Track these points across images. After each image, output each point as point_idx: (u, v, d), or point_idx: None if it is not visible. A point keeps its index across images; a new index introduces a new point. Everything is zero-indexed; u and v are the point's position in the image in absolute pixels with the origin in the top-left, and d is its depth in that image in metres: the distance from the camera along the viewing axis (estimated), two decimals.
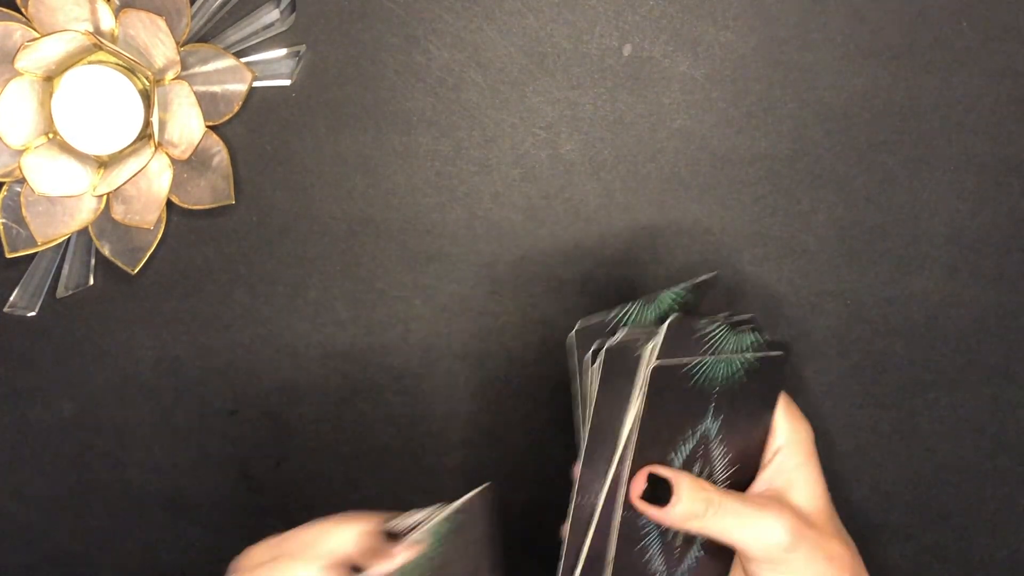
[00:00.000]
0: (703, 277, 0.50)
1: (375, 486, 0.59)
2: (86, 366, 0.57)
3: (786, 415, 0.49)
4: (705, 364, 0.47)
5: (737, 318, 0.50)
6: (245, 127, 0.55)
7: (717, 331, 0.48)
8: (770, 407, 0.49)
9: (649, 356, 0.46)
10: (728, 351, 0.48)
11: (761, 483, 0.49)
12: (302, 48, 0.54)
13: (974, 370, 0.58)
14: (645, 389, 0.45)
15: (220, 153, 0.54)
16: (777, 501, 0.47)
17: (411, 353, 0.57)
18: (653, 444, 0.46)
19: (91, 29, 0.51)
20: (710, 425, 0.48)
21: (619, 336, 0.46)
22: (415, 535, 0.43)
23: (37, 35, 0.50)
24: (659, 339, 0.46)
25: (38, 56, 0.50)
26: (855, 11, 0.54)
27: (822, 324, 0.58)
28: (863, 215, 0.56)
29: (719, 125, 0.55)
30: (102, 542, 0.59)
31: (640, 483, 0.46)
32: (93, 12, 0.51)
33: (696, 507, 0.45)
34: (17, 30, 0.50)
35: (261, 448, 0.58)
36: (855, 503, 0.60)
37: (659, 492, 0.45)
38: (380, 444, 0.59)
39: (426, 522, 0.44)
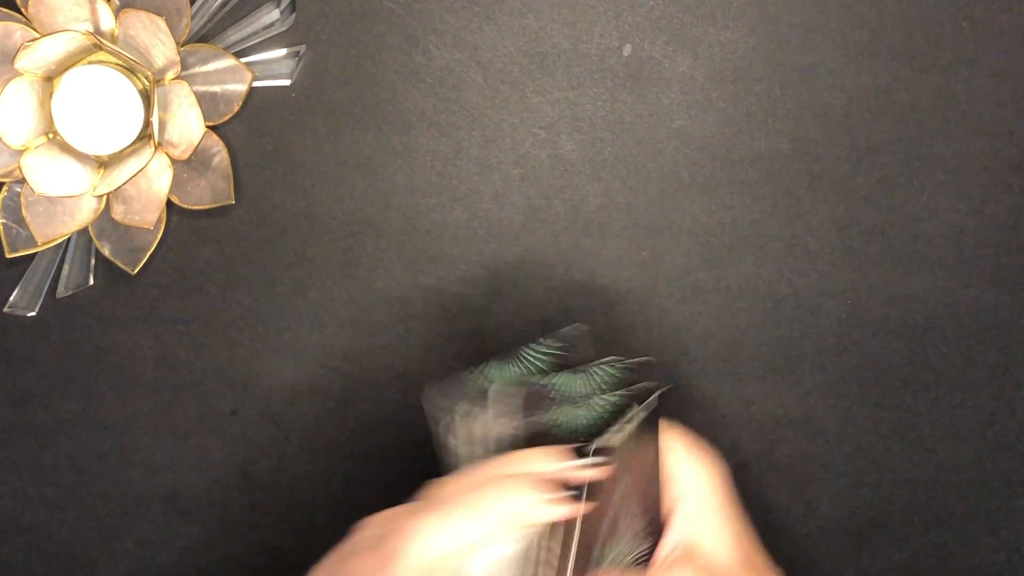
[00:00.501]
0: (571, 330, 0.49)
1: (375, 486, 0.59)
2: (86, 366, 0.57)
3: (684, 456, 0.45)
4: (556, 415, 0.45)
5: (597, 362, 0.48)
6: (245, 127, 0.55)
7: (558, 380, 0.46)
8: (654, 436, 0.46)
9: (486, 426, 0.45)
10: (579, 395, 0.46)
11: (671, 538, 0.45)
12: (302, 48, 0.54)
13: (974, 370, 0.58)
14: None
15: (220, 153, 0.54)
16: (690, 563, 0.44)
17: (411, 353, 0.57)
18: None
19: (91, 29, 0.51)
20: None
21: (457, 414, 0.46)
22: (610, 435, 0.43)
23: (37, 35, 0.50)
24: (488, 408, 0.45)
25: (38, 56, 0.50)
26: (855, 11, 0.54)
27: (822, 324, 0.58)
28: (863, 215, 0.56)
29: (719, 125, 0.55)
30: (102, 542, 0.59)
31: None
32: (93, 12, 0.51)
33: None
34: (17, 30, 0.50)
35: (261, 448, 0.58)
36: (855, 503, 0.60)
37: None
38: (380, 444, 0.59)
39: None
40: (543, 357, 0.47)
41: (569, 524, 0.41)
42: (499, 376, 0.46)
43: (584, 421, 0.46)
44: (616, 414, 0.46)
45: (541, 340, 0.47)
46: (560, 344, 0.48)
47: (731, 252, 0.57)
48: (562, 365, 0.47)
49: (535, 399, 0.45)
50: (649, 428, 0.46)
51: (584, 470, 0.42)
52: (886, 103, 0.55)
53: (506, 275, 0.57)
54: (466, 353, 0.57)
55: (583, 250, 0.57)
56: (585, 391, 0.46)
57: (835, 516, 0.60)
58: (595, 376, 0.47)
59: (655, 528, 0.46)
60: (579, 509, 0.41)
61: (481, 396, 0.46)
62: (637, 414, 0.46)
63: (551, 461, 0.42)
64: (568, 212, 0.56)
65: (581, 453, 0.43)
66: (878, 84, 0.55)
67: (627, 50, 0.55)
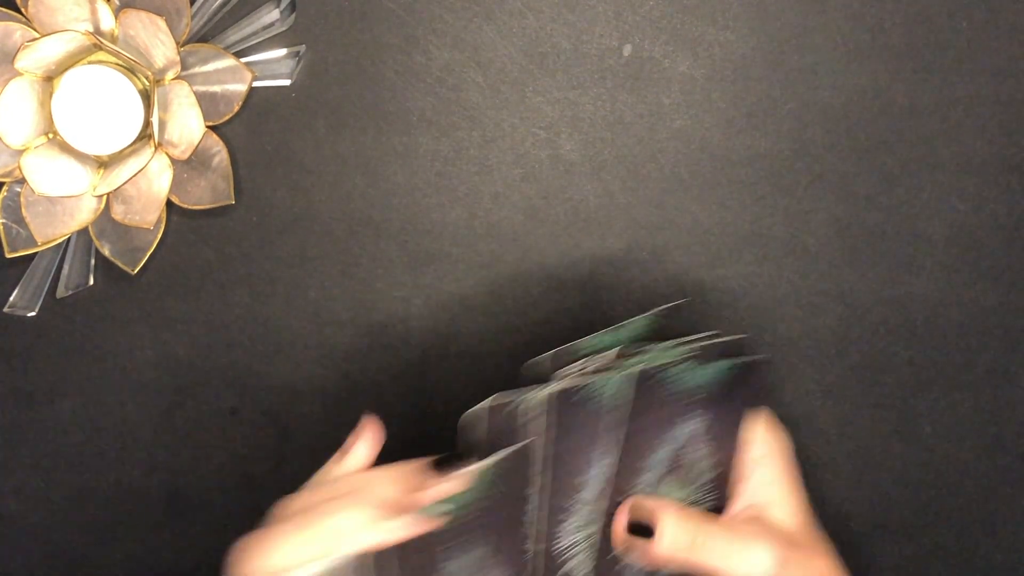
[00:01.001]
0: (670, 305, 0.50)
1: None
2: (86, 366, 0.57)
3: (764, 427, 0.48)
4: (682, 369, 0.46)
5: (702, 343, 0.49)
6: (245, 127, 0.55)
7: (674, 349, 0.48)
8: (746, 412, 0.48)
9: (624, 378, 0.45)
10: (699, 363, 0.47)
11: (741, 501, 0.47)
12: (302, 48, 0.54)
13: (974, 370, 0.58)
14: (630, 399, 0.45)
15: (220, 153, 0.54)
16: (760, 524, 0.46)
17: (411, 353, 0.57)
18: (630, 455, 0.45)
19: (91, 29, 0.51)
20: (692, 427, 0.47)
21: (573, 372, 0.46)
22: (462, 471, 0.43)
23: (37, 35, 0.50)
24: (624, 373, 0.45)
25: (38, 56, 0.50)
26: (855, 11, 0.54)
27: (822, 324, 0.58)
28: (863, 215, 0.56)
29: (719, 125, 0.55)
30: (102, 542, 0.59)
31: (623, 519, 0.45)
32: (93, 12, 0.51)
33: (683, 539, 0.44)
34: (17, 30, 0.50)
35: (261, 448, 0.58)
36: (855, 503, 0.60)
37: (636, 524, 0.44)
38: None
39: (472, 466, 0.43)
40: (729, 371, 0.48)
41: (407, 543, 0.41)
42: (691, 376, 0.47)
43: (704, 379, 0.47)
44: (726, 381, 0.47)
45: (734, 361, 0.48)
46: (745, 365, 0.48)
47: (731, 252, 0.57)
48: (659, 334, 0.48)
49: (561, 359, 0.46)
50: (746, 393, 0.48)
51: (428, 493, 0.42)
52: (886, 103, 0.55)
53: (506, 275, 0.57)
54: (466, 353, 0.58)
55: (583, 250, 0.57)
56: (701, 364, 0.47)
57: (835, 516, 0.60)
58: (720, 366, 0.48)
59: (722, 483, 0.48)
60: (407, 534, 0.41)
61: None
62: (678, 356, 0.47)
63: (394, 484, 0.42)
64: (568, 212, 0.56)
65: (440, 466, 0.44)
66: (878, 84, 0.55)
67: (627, 50, 0.55)
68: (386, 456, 0.59)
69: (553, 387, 0.45)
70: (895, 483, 0.60)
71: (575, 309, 0.57)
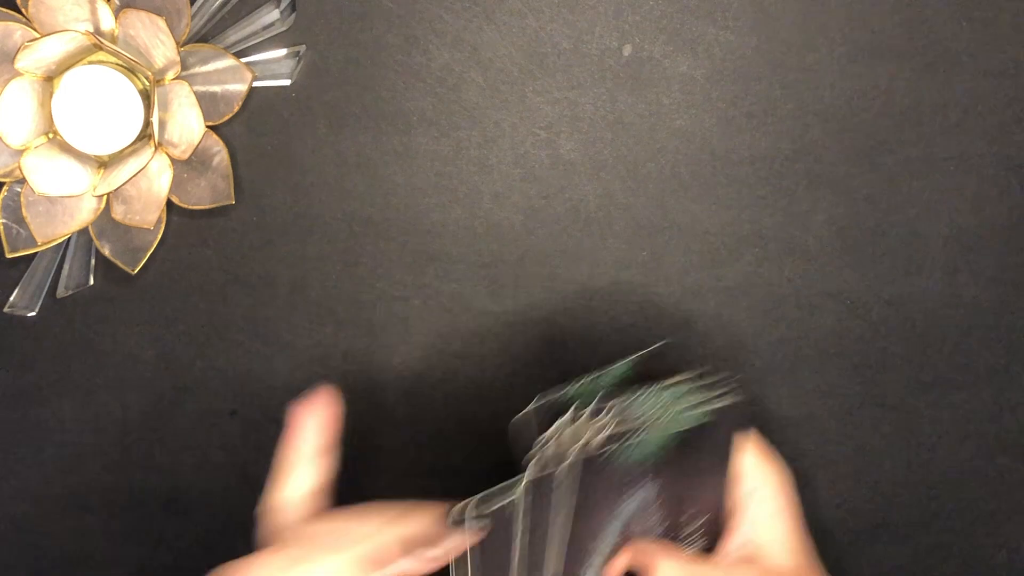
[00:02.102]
0: (652, 348, 0.50)
1: (375, 486, 0.59)
2: (86, 366, 0.57)
3: (756, 459, 0.47)
4: (627, 445, 0.46)
5: (675, 380, 0.49)
6: (245, 127, 0.55)
7: (647, 400, 0.48)
8: (727, 450, 0.48)
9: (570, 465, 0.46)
10: (663, 418, 0.47)
11: (737, 537, 0.47)
12: (302, 48, 0.54)
13: (974, 370, 0.58)
14: (574, 483, 0.46)
15: (220, 153, 0.54)
16: (755, 565, 0.46)
17: (411, 353, 0.57)
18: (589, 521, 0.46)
19: (91, 29, 0.51)
20: (644, 496, 0.47)
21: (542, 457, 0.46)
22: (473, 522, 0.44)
23: (37, 35, 0.50)
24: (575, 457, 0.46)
25: (38, 56, 0.50)
26: (855, 11, 0.54)
27: (822, 324, 0.58)
28: (863, 215, 0.56)
29: (719, 125, 0.55)
30: (102, 542, 0.59)
31: (623, 562, 0.45)
32: (93, 12, 0.51)
33: None
34: (17, 30, 0.50)
35: (261, 448, 0.58)
36: (855, 503, 0.60)
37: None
38: (380, 444, 0.59)
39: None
40: (630, 373, 0.48)
41: None
42: (642, 449, 0.47)
43: (651, 448, 0.47)
44: (696, 430, 0.47)
45: (703, 409, 0.48)
46: (715, 413, 0.48)
47: (731, 252, 0.57)
48: (642, 376, 0.48)
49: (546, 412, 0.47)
50: (725, 434, 0.47)
51: (442, 542, 0.43)
52: (886, 103, 0.55)
53: (506, 275, 0.57)
54: (466, 353, 0.58)
55: (583, 250, 0.57)
56: (663, 412, 0.47)
57: (835, 516, 0.60)
58: (679, 392, 0.48)
59: (713, 528, 0.48)
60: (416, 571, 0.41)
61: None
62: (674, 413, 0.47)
63: (411, 524, 0.43)
64: (568, 212, 0.56)
65: (458, 519, 0.44)
66: (878, 84, 0.55)
67: (627, 50, 0.55)
68: (386, 456, 0.59)
69: (529, 474, 0.46)
70: (895, 483, 0.60)
71: (575, 309, 0.57)
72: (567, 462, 0.46)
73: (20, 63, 0.50)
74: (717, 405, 0.48)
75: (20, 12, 0.51)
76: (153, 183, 0.53)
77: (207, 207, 0.54)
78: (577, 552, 0.46)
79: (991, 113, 0.55)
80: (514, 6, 0.54)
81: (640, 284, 0.57)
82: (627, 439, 0.46)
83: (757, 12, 0.54)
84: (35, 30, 0.51)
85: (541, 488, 0.45)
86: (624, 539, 0.47)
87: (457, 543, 0.43)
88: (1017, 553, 0.61)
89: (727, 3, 0.54)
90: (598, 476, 0.46)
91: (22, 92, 0.51)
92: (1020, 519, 0.60)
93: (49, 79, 0.51)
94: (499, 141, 0.55)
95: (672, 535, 0.47)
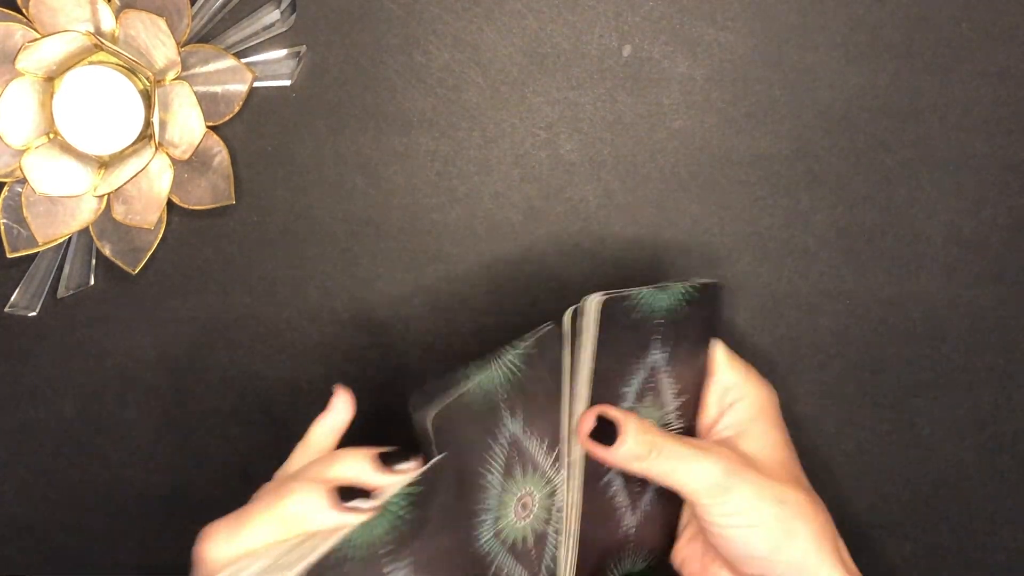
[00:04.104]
0: (709, 281, 0.51)
1: None
2: (86, 366, 0.57)
3: (743, 372, 0.50)
4: (644, 294, 0.48)
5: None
6: (245, 127, 0.55)
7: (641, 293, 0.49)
8: (708, 338, 0.50)
9: (592, 302, 0.47)
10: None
11: (720, 426, 0.50)
12: (302, 49, 0.54)
13: (974, 370, 0.58)
14: (595, 326, 0.47)
15: (220, 153, 0.54)
16: (722, 446, 0.48)
17: (411, 353, 0.57)
18: (606, 381, 0.47)
19: (92, 30, 0.51)
20: (658, 356, 0.49)
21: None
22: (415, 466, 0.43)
23: (38, 35, 0.50)
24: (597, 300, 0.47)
25: (39, 56, 0.50)
26: (855, 11, 0.54)
27: (822, 324, 0.58)
28: (863, 215, 0.56)
29: (719, 125, 0.55)
30: (102, 542, 0.59)
31: (588, 422, 0.47)
32: (94, 13, 0.51)
33: (639, 449, 0.46)
34: (18, 30, 0.51)
35: (261, 448, 0.58)
36: (855, 503, 0.60)
37: (609, 431, 0.47)
38: (380, 444, 0.59)
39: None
40: (686, 296, 0.49)
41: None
42: (651, 302, 0.48)
43: (664, 303, 0.48)
44: (691, 303, 0.49)
45: (688, 283, 0.49)
46: (700, 289, 0.50)
47: (731, 252, 0.57)
48: (532, 363, 0.48)
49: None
50: (706, 318, 0.50)
51: (382, 475, 0.42)
52: (886, 103, 0.55)
53: (506, 275, 0.57)
54: (466, 353, 0.58)
55: (583, 250, 0.57)
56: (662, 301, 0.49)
57: (835, 516, 0.60)
58: (674, 292, 0.49)
59: (687, 410, 0.51)
60: (358, 519, 0.41)
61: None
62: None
63: (350, 466, 0.43)
64: (568, 212, 0.56)
65: (389, 457, 0.44)
66: (878, 84, 0.55)
67: (627, 50, 0.55)
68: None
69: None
70: (895, 483, 0.60)
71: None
72: (594, 297, 0.47)
73: (21, 63, 0.50)
74: (702, 281, 0.50)
75: (21, 12, 0.51)
76: (154, 183, 0.53)
77: (208, 207, 0.54)
78: (604, 391, 0.47)
79: (991, 113, 0.55)
80: (514, 6, 0.54)
81: (640, 284, 0.57)
82: (639, 292, 0.48)
83: (757, 12, 0.54)
84: (36, 30, 0.51)
85: (574, 326, 0.48)
86: (646, 391, 0.49)
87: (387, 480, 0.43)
88: (1017, 554, 0.61)
89: (727, 3, 0.54)
90: (617, 322, 0.47)
91: (23, 92, 0.51)
92: (1020, 519, 0.60)
93: (50, 79, 0.52)
94: (499, 141, 0.55)
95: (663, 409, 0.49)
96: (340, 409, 0.47)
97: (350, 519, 0.41)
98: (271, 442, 0.58)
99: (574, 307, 0.48)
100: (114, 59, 0.52)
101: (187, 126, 0.52)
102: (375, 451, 0.43)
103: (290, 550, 0.40)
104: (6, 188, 0.53)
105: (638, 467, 0.46)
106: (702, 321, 0.50)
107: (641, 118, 0.55)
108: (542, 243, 0.56)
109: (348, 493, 0.41)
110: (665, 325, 0.49)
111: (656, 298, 0.48)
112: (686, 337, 0.50)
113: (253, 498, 0.45)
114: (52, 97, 0.51)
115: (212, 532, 0.42)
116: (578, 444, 0.48)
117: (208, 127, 0.53)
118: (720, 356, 0.51)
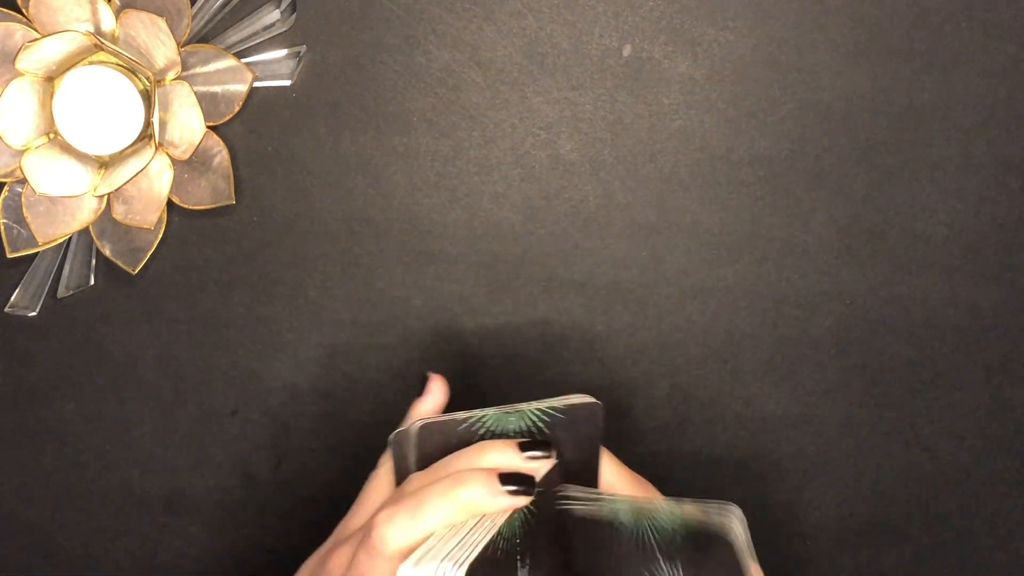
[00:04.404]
0: (578, 400, 0.49)
1: None
2: (87, 366, 0.57)
3: (617, 471, 0.49)
4: (487, 417, 0.48)
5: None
6: (246, 127, 0.55)
7: (488, 416, 0.49)
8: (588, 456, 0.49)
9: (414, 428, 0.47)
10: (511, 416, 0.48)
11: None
12: (302, 49, 0.54)
13: (974, 370, 0.58)
14: (414, 449, 0.47)
15: (220, 153, 0.54)
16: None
17: (411, 353, 0.57)
18: None
19: (92, 30, 0.51)
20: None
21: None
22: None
23: (38, 35, 0.50)
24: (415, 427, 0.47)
25: (39, 56, 0.50)
26: (855, 11, 0.54)
27: (822, 324, 0.58)
28: (863, 215, 0.56)
29: (719, 126, 0.55)
30: (102, 542, 0.59)
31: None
32: (94, 12, 0.51)
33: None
34: (18, 30, 0.51)
35: (261, 448, 0.58)
36: (855, 503, 0.60)
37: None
38: (380, 444, 0.59)
39: None
40: (545, 419, 0.48)
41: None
42: (497, 425, 0.48)
43: (513, 427, 0.48)
44: (543, 426, 0.48)
45: (548, 404, 0.48)
46: (564, 411, 0.48)
47: (731, 252, 0.57)
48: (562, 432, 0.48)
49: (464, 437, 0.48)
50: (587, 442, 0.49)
51: (532, 462, 0.46)
52: (886, 103, 0.55)
53: (506, 275, 0.57)
54: (466, 353, 0.58)
55: (583, 250, 0.57)
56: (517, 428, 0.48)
57: (835, 516, 0.60)
58: (528, 416, 0.48)
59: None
60: (526, 500, 0.45)
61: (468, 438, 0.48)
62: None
63: (504, 455, 0.46)
64: (568, 212, 0.56)
65: (526, 447, 0.46)
66: (878, 84, 0.55)
67: (627, 51, 0.55)
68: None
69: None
70: (895, 483, 0.60)
71: (575, 309, 0.57)
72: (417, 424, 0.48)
73: (21, 63, 0.50)
74: (573, 401, 0.49)
75: (21, 12, 0.51)
76: (154, 183, 0.53)
77: (208, 207, 0.54)
78: None
79: (991, 113, 0.55)
80: (514, 6, 0.54)
81: (640, 284, 0.57)
82: (478, 416, 0.48)
83: (757, 13, 0.54)
84: (36, 30, 0.51)
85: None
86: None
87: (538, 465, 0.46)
88: (1017, 554, 0.61)
89: (727, 3, 0.54)
90: (445, 441, 0.48)
91: (23, 92, 0.51)
92: (1020, 519, 0.60)
93: (50, 79, 0.52)
94: (499, 141, 0.55)
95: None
96: (436, 392, 0.50)
97: (520, 501, 0.44)
98: (271, 442, 0.58)
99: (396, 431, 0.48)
100: (114, 59, 0.52)
101: (187, 126, 0.52)
102: (516, 441, 0.46)
103: (471, 530, 0.44)
104: (6, 188, 0.53)
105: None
106: (567, 443, 0.48)
107: (641, 118, 0.55)
108: (542, 243, 0.56)
109: (505, 479, 0.45)
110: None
111: (502, 420, 0.48)
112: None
113: (370, 479, 0.48)
114: (52, 97, 0.51)
115: (391, 515, 0.43)
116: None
117: (208, 127, 0.53)
118: (608, 470, 0.49)
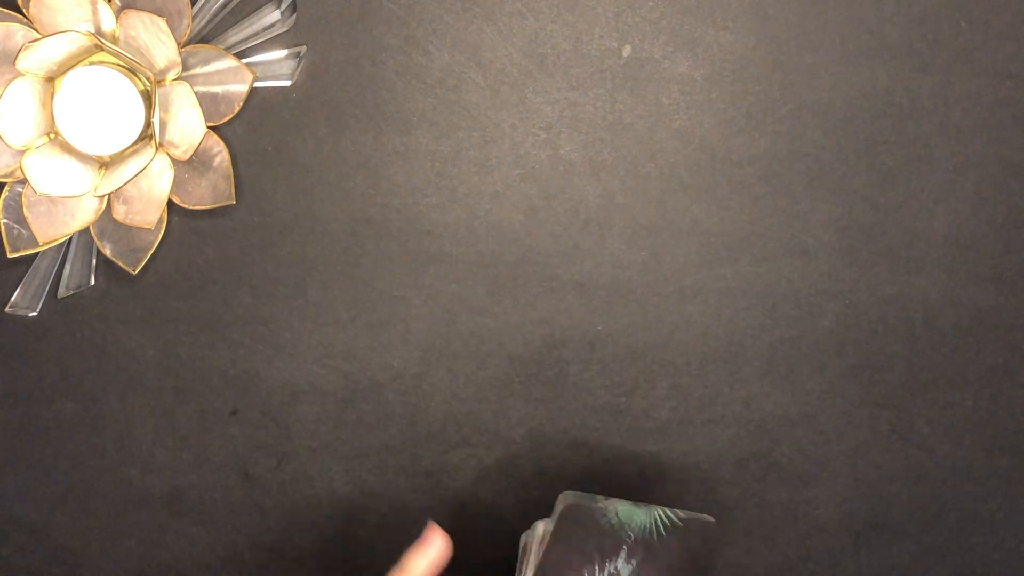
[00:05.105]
0: (703, 520, 0.52)
1: (375, 486, 0.59)
2: (87, 366, 0.57)
3: None
4: (618, 508, 0.50)
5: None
6: (246, 128, 0.55)
7: (620, 508, 0.52)
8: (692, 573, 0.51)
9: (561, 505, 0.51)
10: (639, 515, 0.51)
11: None
12: (303, 49, 0.54)
13: (974, 370, 0.58)
14: (555, 519, 0.50)
15: (221, 153, 0.54)
16: None
17: (411, 353, 0.57)
18: (560, 566, 0.49)
19: (92, 30, 0.51)
20: (621, 566, 0.50)
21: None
22: None
23: (38, 36, 0.51)
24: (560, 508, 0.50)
25: (39, 57, 0.50)
26: (855, 11, 0.54)
27: (822, 324, 0.58)
28: (862, 215, 0.56)
29: (718, 125, 0.55)
30: (102, 542, 0.59)
31: None
32: (94, 13, 0.51)
33: None
34: (19, 31, 0.51)
35: (261, 448, 0.58)
36: (855, 503, 0.60)
37: None
38: (380, 444, 0.59)
39: None
40: (667, 522, 0.51)
41: None
42: (626, 515, 0.51)
43: (640, 521, 0.51)
44: (670, 530, 0.51)
45: (675, 511, 0.52)
46: (686, 521, 0.51)
47: (730, 252, 0.57)
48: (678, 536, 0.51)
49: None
50: (690, 552, 0.51)
51: None
52: (886, 103, 0.55)
53: (506, 275, 0.57)
54: (466, 353, 0.58)
55: (583, 250, 0.57)
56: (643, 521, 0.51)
57: (835, 515, 0.60)
58: (654, 512, 0.52)
59: None
60: None
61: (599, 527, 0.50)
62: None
63: None
64: (568, 212, 0.56)
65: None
66: (878, 84, 0.55)
67: (627, 51, 0.55)
68: (386, 456, 0.59)
69: None
70: (895, 483, 0.60)
71: (575, 309, 0.57)
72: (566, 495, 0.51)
73: (21, 64, 0.50)
74: (687, 514, 0.52)
75: (21, 13, 0.51)
76: (154, 183, 0.53)
77: (208, 207, 0.54)
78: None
79: (991, 113, 0.55)
80: (514, 7, 0.54)
81: (640, 284, 0.57)
82: (611, 505, 0.52)
83: (757, 13, 0.54)
84: (36, 31, 0.51)
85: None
86: None
87: None
88: (1017, 553, 0.61)
89: (727, 4, 0.54)
90: (583, 524, 0.51)
91: (23, 92, 0.51)
92: (1020, 519, 0.60)
93: (50, 79, 0.52)
94: (499, 141, 0.55)
95: None
96: (436, 544, 0.50)
97: None
98: (271, 442, 0.58)
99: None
100: (114, 59, 0.52)
101: (187, 126, 0.52)
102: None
103: None
104: (7, 188, 0.53)
105: None
106: (682, 553, 0.51)
107: (641, 118, 0.55)
108: (542, 243, 0.56)
109: None
110: (635, 541, 0.50)
111: (631, 515, 0.51)
112: (656, 559, 0.50)
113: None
114: (52, 97, 0.51)
115: None
116: None
117: (208, 127, 0.53)
118: None
